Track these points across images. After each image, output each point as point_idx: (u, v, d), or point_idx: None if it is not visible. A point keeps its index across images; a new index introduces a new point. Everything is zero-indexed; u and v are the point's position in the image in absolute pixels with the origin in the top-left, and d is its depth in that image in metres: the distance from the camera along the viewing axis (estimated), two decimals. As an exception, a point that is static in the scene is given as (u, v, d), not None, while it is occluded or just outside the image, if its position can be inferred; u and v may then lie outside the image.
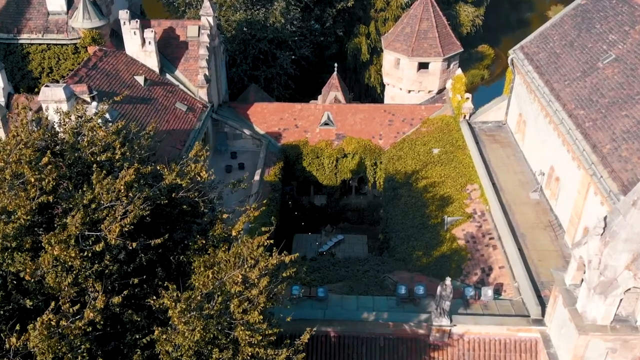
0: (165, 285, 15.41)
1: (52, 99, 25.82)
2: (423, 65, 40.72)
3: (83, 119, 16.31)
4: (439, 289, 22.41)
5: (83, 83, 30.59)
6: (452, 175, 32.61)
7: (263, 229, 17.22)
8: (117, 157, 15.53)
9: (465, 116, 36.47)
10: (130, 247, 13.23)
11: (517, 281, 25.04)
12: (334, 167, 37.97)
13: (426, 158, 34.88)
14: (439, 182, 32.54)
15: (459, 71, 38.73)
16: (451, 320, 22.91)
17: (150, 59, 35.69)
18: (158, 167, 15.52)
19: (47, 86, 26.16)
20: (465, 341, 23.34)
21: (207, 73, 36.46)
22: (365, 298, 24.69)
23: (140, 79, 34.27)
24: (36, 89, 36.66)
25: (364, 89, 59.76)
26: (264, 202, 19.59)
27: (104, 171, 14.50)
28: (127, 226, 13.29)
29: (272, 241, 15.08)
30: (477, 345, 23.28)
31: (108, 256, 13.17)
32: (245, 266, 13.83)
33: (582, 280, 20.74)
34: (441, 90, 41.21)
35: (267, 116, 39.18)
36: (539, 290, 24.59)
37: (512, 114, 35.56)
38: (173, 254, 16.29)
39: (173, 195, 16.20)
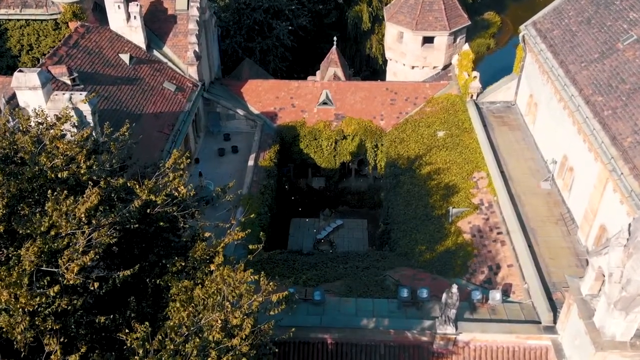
0: (140, 310, 13.77)
1: (26, 85, 23.73)
2: (428, 40, 38.32)
3: (44, 125, 14.36)
4: (444, 296, 20.82)
5: (62, 64, 28.48)
6: (458, 162, 30.70)
7: (251, 246, 15.54)
8: (82, 171, 13.66)
9: (472, 96, 34.34)
10: (92, 288, 11.46)
11: (527, 282, 23.42)
12: (332, 149, 36.03)
13: (430, 141, 32.90)
14: (443, 168, 30.64)
15: (466, 46, 36.43)
16: (457, 328, 21.39)
17: (136, 35, 33.40)
18: (129, 184, 13.62)
19: (20, 71, 24.03)
20: (471, 349, 21.86)
21: (197, 49, 34.19)
22: (364, 301, 23.10)
23: (125, 57, 32.05)
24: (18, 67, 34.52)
25: (365, 60, 57.26)
26: (252, 215, 17.66)
27: (64, 191, 12.65)
28: (90, 260, 11.54)
29: (257, 277, 13.29)
30: (483, 353, 21.80)
31: (66, 299, 11.42)
32: (227, 304, 12.08)
33: (600, 289, 19.18)
34: (447, 66, 38.94)
35: (262, 94, 37.03)
36: (551, 293, 23.01)
37: (522, 95, 33.44)
38: (149, 276, 14.59)
39: (148, 211, 14.42)
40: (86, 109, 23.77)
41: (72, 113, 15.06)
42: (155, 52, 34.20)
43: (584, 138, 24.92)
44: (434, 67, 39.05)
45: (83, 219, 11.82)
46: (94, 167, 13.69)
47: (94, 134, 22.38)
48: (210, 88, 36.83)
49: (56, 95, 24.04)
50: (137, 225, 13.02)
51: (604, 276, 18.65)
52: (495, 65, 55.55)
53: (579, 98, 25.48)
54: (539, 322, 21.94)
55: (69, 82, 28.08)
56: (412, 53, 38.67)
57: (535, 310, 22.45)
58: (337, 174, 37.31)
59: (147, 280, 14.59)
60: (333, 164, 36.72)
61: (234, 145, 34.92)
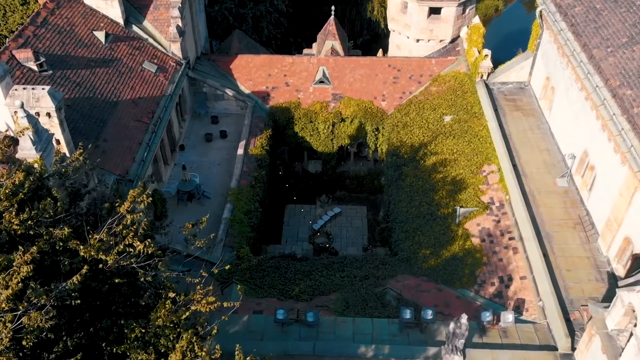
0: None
1: (-19, 79, 21.02)
2: (434, 10, 34.96)
3: (-30, 167, 11.78)
4: (452, 325, 18.66)
5: (28, 47, 25.59)
6: (466, 152, 28.07)
7: (226, 304, 13.12)
8: (14, 227, 11.16)
9: (482, 76, 31.35)
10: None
11: (542, 300, 21.20)
12: (329, 132, 33.28)
13: (436, 127, 30.15)
14: (450, 159, 28.03)
15: (476, 19, 33.20)
16: (464, 357, 19.29)
17: (112, 9, 30.19)
18: (71, 245, 11.13)
19: (-26, 63, 21.27)
20: (480, 378, 19.80)
21: (180, 24, 31.02)
22: (363, 321, 20.97)
23: (100, 35, 29.02)
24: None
25: (366, 23, 53.71)
26: (226, 267, 15.06)
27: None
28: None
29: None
30: (493, 383, 19.76)
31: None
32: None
33: (628, 325, 16.98)
34: (454, 39, 35.74)
35: (253, 72, 34.03)
36: (568, 312, 20.81)
37: (538, 76, 30.43)
38: (105, 341, 12.27)
39: (100, 266, 12.00)
40: (49, 106, 21.14)
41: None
42: (135, 28, 31.06)
43: (609, 136, 22.20)
44: (441, 41, 35.84)
45: (4, 306, 9.41)
46: (30, 222, 11.15)
47: (56, 152, 19.78)
48: (196, 65, 33.83)
49: (16, 90, 21.31)
50: (78, 302, 10.60)
51: (634, 312, 16.46)
52: (503, 30, 52.28)
53: (605, 90, 22.63)
54: (555, 348, 19.87)
55: (35, 68, 25.30)
56: (417, 25, 35.39)
57: (551, 333, 20.35)
58: (334, 158, 34.67)
59: (103, 345, 12.28)
60: (330, 148, 34.06)
61: (222, 129, 32.17)
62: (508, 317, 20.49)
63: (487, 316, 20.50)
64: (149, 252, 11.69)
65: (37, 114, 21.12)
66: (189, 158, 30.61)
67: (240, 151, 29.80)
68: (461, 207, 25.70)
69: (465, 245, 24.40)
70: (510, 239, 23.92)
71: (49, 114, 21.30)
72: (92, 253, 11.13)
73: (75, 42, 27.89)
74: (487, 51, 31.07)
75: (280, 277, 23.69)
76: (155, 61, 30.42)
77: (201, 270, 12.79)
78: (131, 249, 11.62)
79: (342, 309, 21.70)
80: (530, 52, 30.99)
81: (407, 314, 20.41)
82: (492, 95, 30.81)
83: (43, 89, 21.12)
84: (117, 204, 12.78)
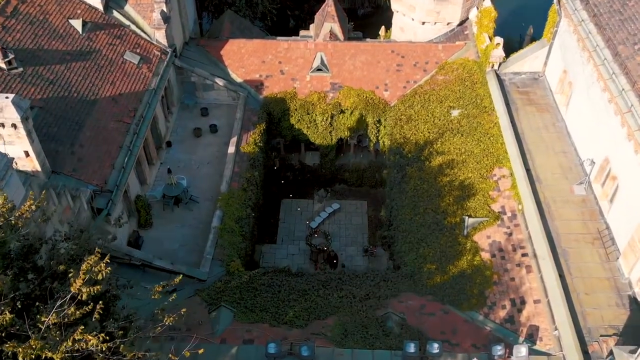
0: None
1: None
2: (442, -9, 32.36)
3: None
4: (460, 368, 16.91)
5: (-5, 43, 23.20)
6: (476, 153, 25.95)
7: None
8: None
9: (493, 66, 28.92)
10: None
11: (558, 329, 19.44)
12: (328, 125, 31.01)
13: (442, 122, 27.92)
14: (458, 161, 25.93)
15: (487, 2, 30.52)
16: (473, 398, 17.64)
17: (90, -7, 27.64)
18: (6, 349, 9.18)
19: None
20: (490, 419, 18.22)
21: (164, 9, 28.44)
22: (362, 353, 19.23)
23: (77, 24, 26.50)
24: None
25: (368, -5, 50.65)
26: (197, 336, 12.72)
27: None
28: None
29: None
30: None
31: None
32: None
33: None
34: (462, 22, 33.10)
35: (246, 58, 31.57)
36: (586, 343, 19.09)
37: (554, 68, 28.00)
38: None
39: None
40: (14, 116, 18.92)
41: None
42: (115, 14, 28.45)
43: (636, 148, 20.05)
44: (448, 24, 33.20)
45: None
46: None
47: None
48: (184, 51, 31.33)
49: (-25, 99, 19.10)
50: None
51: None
52: (512, 2, 49.35)
53: (632, 94, 20.39)
54: (572, 386, 18.23)
55: (3, 65, 22.95)
56: (423, 7, 32.70)
57: (567, 367, 18.66)
58: (333, 150, 32.49)
59: None
60: (329, 141, 31.84)
61: (212, 123, 29.87)
62: (521, 350, 18.67)
63: (498, 350, 18.70)
64: (104, 348, 9.75)
65: (2, 125, 19.06)
66: (176, 156, 28.50)
67: (231, 149, 27.64)
68: (470, 216, 23.77)
69: (474, 261, 22.54)
70: (524, 255, 22.05)
71: (14, 125, 19.16)
72: (36, 353, 9.22)
73: (49, 33, 25.41)
74: (498, 39, 28.51)
75: (274, 298, 21.88)
76: (138, 50, 27.98)
77: (170, 355, 10.85)
78: (83, 344, 9.71)
79: (341, 337, 19.94)
80: (545, 41, 28.45)
81: (412, 348, 18.62)
82: (503, 88, 28.46)
83: (7, 97, 18.86)
84: (70, 274, 10.80)
